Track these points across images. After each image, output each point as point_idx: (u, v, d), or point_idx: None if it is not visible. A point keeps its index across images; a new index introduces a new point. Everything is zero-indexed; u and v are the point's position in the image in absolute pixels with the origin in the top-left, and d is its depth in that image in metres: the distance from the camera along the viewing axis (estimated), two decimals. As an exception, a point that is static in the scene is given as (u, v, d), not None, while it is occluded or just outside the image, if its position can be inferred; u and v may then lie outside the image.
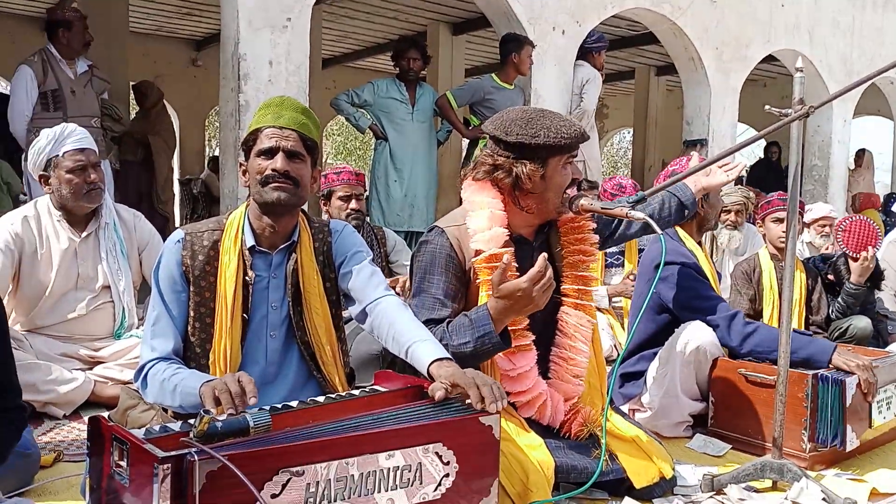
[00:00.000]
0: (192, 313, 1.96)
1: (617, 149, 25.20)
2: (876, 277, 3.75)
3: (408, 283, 2.35)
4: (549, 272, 1.95)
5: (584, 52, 5.95)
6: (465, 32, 8.57)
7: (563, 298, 2.23)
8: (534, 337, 2.14)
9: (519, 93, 5.58)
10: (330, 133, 22.33)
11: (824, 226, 4.84)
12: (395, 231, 4.35)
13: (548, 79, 5.78)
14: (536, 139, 2.07)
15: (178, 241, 1.97)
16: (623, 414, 2.39)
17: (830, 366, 2.54)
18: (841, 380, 2.45)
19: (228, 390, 1.60)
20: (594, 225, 2.28)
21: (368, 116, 5.40)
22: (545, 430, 2.15)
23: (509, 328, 2.05)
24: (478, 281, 2.14)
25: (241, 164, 2.03)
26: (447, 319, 2.10)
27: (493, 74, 5.50)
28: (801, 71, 2.19)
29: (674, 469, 2.21)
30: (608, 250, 4.19)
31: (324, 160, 17.11)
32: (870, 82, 8.44)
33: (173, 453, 1.31)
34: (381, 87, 5.29)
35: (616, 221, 2.43)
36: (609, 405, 2.20)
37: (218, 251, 1.96)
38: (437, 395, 1.68)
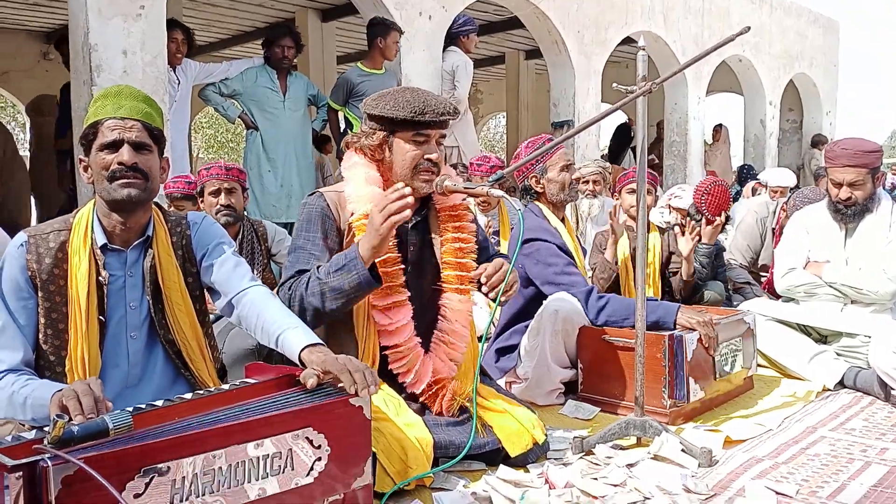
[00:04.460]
0: (42, 320, 1.85)
1: (493, 133, 25.71)
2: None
3: None
4: (405, 198, 2.00)
5: (454, 38, 6.00)
6: (334, 19, 8.43)
7: (444, 285, 2.28)
8: (409, 294, 2.18)
9: (392, 76, 5.55)
10: (199, 126, 21.52)
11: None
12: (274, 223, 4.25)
13: (417, 64, 5.81)
14: (375, 110, 2.17)
15: (22, 244, 1.85)
16: (498, 387, 2.47)
17: (677, 326, 2.72)
18: (680, 336, 2.63)
19: (76, 397, 1.50)
20: (472, 216, 2.34)
21: (238, 106, 5.25)
22: (423, 409, 2.20)
23: (385, 278, 2.10)
24: (355, 240, 2.14)
25: (81, 160, 1.91)
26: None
27: (358, 63, 5.49)
28: (644, 50, 2.33)
29: (546, 435, 2.31)
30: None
31: (195, 154, 16.46)
32: (718, 59, 9.00)
33: (24, 461, 1.25)
34: (250, 76, 5.16)
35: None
36: (480, 380, 2.26)
37: (66, 253, 1.86)
38: (309, 382, 1.66)
